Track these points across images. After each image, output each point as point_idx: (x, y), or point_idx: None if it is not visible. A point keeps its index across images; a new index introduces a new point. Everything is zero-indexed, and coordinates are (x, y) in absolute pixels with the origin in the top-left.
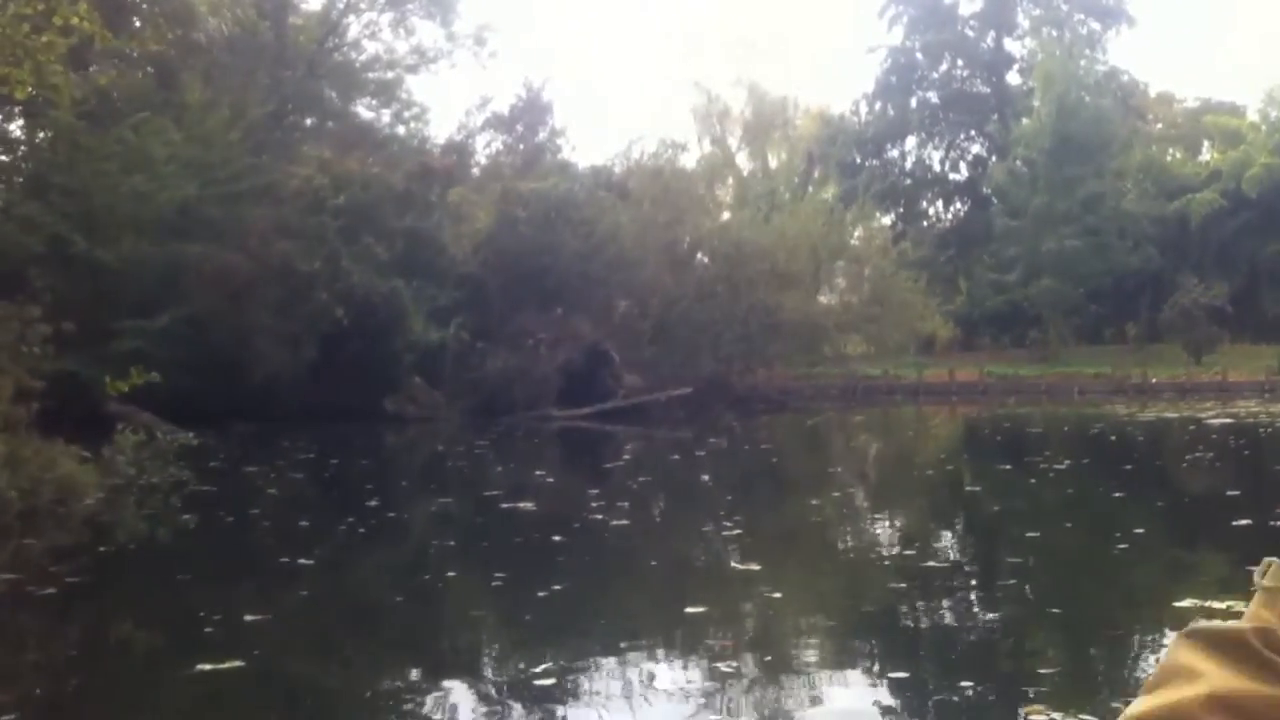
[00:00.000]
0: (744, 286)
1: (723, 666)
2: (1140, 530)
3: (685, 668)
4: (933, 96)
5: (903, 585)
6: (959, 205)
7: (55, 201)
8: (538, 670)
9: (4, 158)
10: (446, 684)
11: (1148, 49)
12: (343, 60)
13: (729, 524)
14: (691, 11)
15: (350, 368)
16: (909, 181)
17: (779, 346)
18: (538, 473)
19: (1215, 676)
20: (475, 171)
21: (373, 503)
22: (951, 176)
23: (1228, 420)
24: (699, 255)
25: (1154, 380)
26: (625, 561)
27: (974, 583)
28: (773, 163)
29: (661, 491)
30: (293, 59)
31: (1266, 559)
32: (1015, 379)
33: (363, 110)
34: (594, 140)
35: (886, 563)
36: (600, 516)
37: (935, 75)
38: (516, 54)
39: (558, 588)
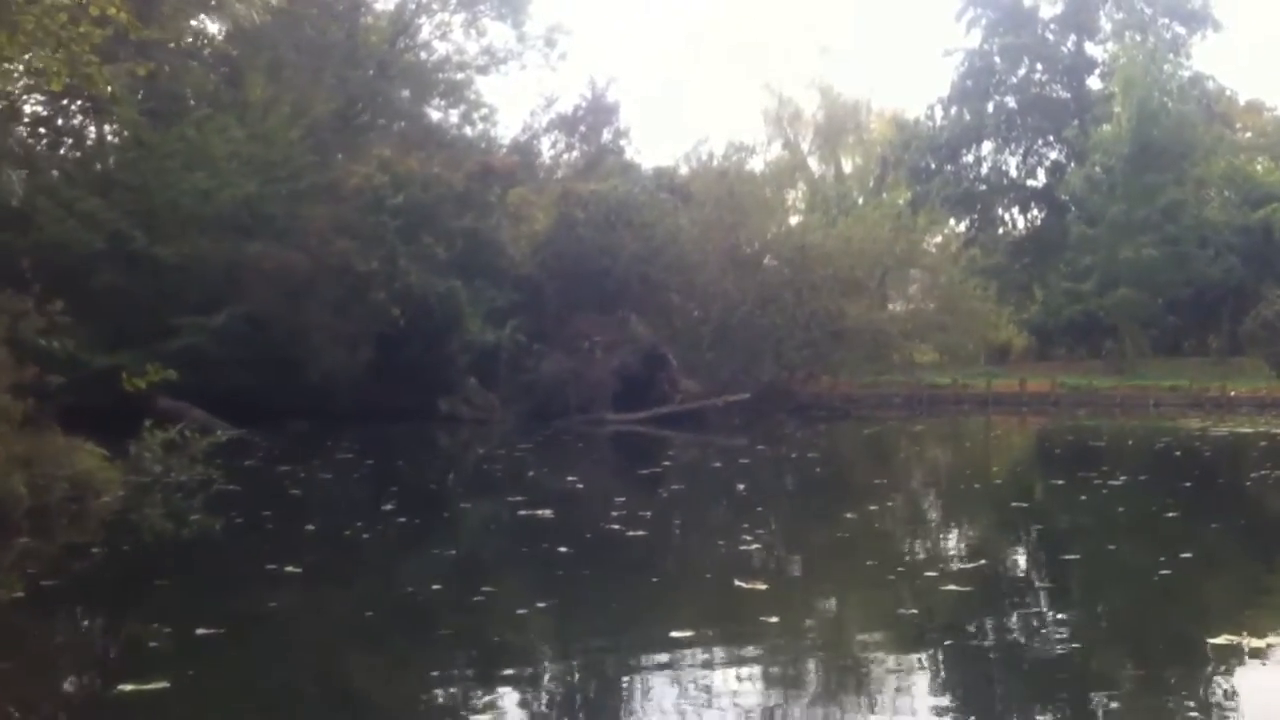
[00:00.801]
0: (807, 292)
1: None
2: (1188, 554)
3: (647, 700)
4: (1010, 101)
5: (914, 612)
6: (1036, 212)
7: (117, 198)
8: (480, 702)
9: (73, 154)
10: (377, 713)
11: (1240, 56)
12: (414, 61)
13: (749, 538)
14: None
15: (406, 368)
16: (984, 187)
17: (843, 354)
18: (570, 478)
19: None
20: (538, 173)
21: (388, 506)
22: (1028, 183)
23: None
24: (762, 259)
25: (1232, 394)
26: (626, 576)
27: (990, 611)
28: (846, 167)
29: (690, 501)
30: (364, 59)
31: None
32: (1088, 391)
33: (432, 111)
34: (665, 145)
35: (903, 586)
36: (617, 527)
37: (1014, 79)
38: (588, 56)
39: (542, 605)
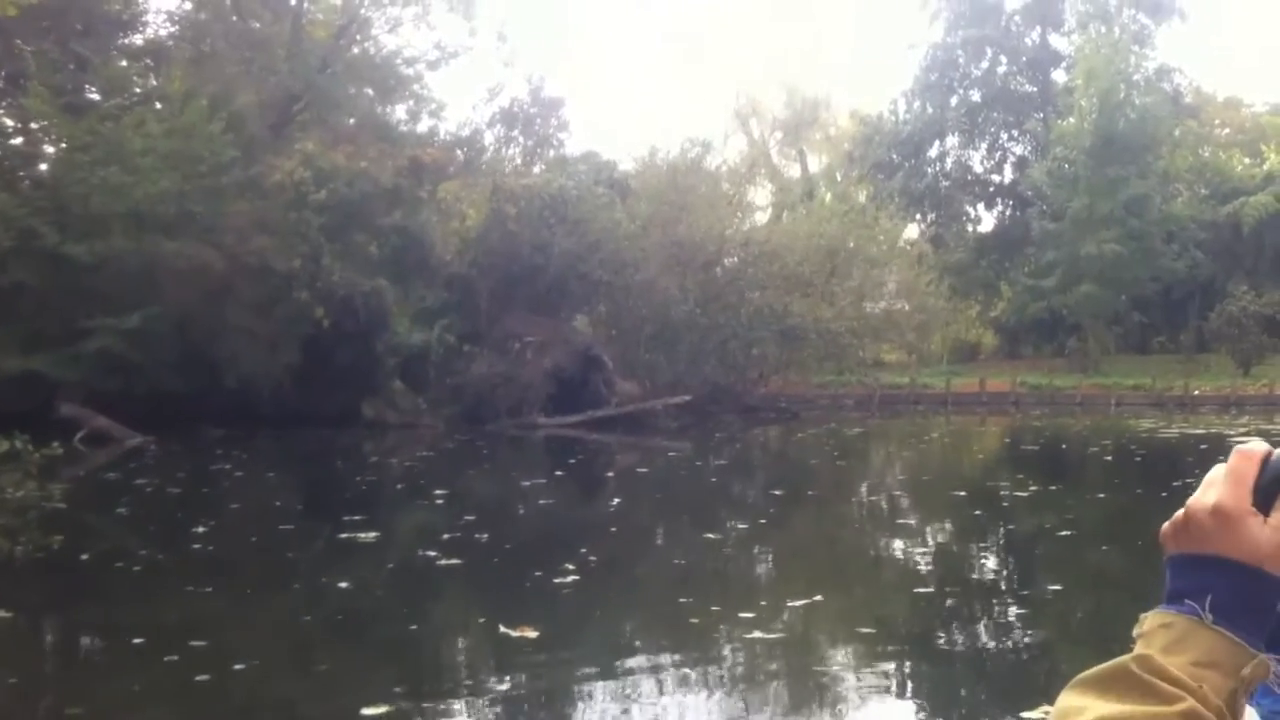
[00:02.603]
0: (750, 290)
1: None
2: (1057, 587)
3: None
4: (974, 95)
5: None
6: (1002, 208)
7: (26, 194)
8: None
9: None
10: None
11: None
12: (360, 55)
13: (571, 566)
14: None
15: (331, 371)
16: (947, 183)
17: (792, 354)
18: (439, 491)
19: (1098, 706)
20: (478, 168)
21: (200, 529)
22: (993, 178)
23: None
24: (705, 256)
25: (1195, 392)
26: (378, 627)
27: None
28: (814, 165)
29: (547, 519)
30: (307, 52)
31: (1142, 615)
32: (1049, 390)
33: (379, 107)
34: (624, 145)
35: (705, 634)
36: (434, 553)
37: (977, 72)
38: (546, 56)
39: (240, 667)
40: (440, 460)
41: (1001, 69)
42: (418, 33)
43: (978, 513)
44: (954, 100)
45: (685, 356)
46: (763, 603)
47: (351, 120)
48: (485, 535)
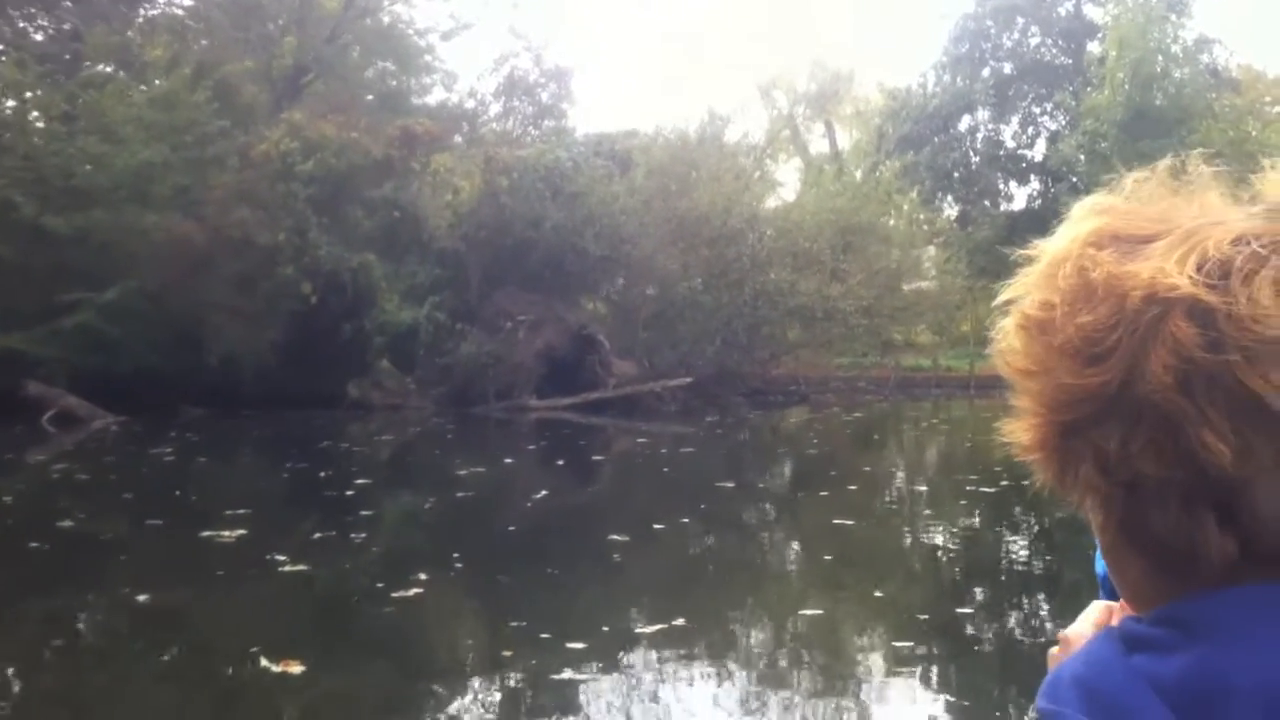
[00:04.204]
0: (754, 267)
1: None
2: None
3: None
4: (1006, 67)
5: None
6: (1035, 184)
7: (4, 165)
8: None
9: None
10: None
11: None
12: (371, 25)
13: (424, 576)
14: None
15: (316, 350)
16: (977, 158)
17: (806, 334)
18: (362, 481)
19: None
20: (480, 139)
21: (67, 523)
22: (1025, 153)
23: None
24: (710, 231)
25: None
26: (145, 648)
27: None
28: (844, 141)
29: (445, 517)
30: (316, 21)
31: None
32: None
33: (392, 79)
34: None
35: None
36: (284, 557)
37: (1008, 44)
38: (555, 29)
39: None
40: (403, 445)
41: (1034, 40)
42: (431, 3)
43: (897, 507)
44: (985, 72)
45: (687, 337)
46: (605, 629)
47: (370, 97)
48: (362, 535)
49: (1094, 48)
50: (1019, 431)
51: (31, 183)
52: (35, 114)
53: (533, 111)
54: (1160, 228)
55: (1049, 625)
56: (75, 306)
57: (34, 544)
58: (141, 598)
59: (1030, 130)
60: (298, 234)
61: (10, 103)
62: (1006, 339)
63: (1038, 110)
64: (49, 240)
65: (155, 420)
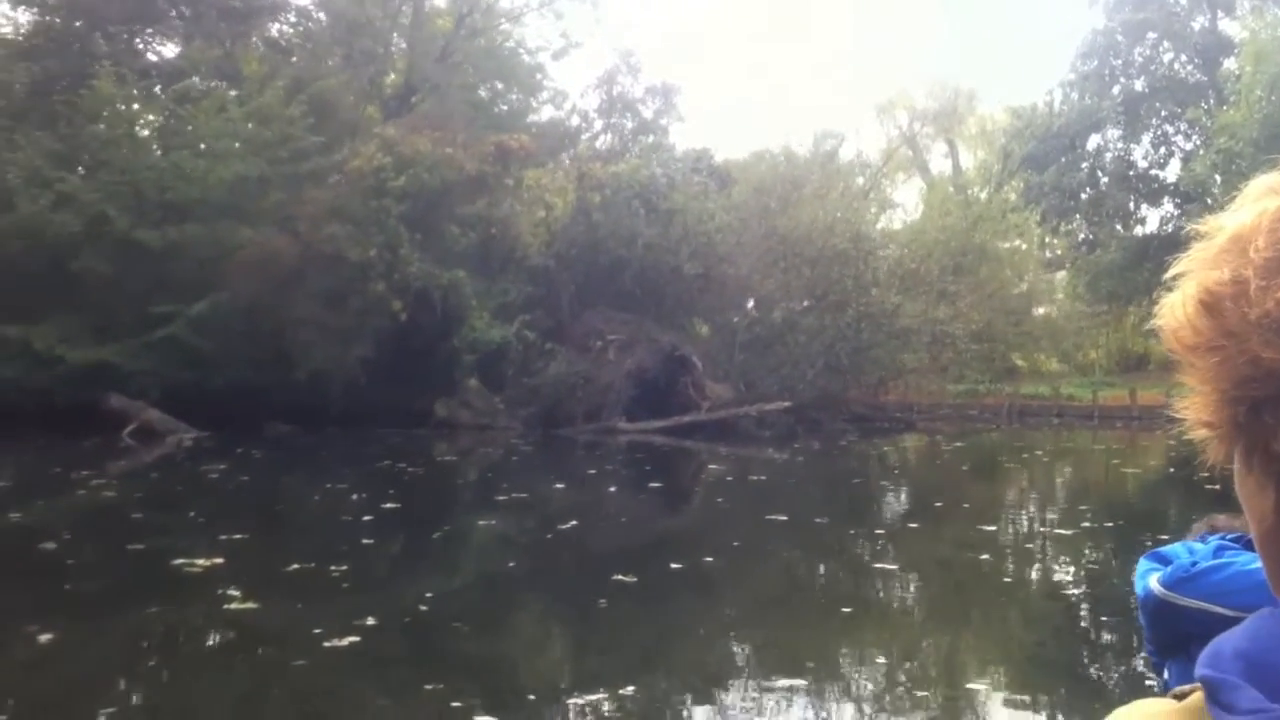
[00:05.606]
0: (855, 289)
1: None
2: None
3: None
4: (1137, 84)
5: None
6: (1168, 206)
7: (101, 178)
8: None
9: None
10: None
11: None
12: (483, 44)
13: (373, 620)
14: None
15: (405, 367)
16: (1106, 179)
17: (916, 359)
18: (385, 506)
19: None
20: (567, 155)
21: (47, 544)
22: (1156, 174)
23: None
24: (813, 250)
25: None
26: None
27: None
28: (967, 160)
29: (447, 554)
30: (427, 39)
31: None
32: None
33: (503, 98)
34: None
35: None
36: (236, 592)
37: (1140, 59)
38: (662, 47)
39: None
40: (462, 467)
41: (1167, 56)
42: (543, 21)
43: (992, 548)
44: (1115, 90)
45: (787, 360)
46: (533, 694)
47: (475, 114)
48: (343, 568)
49: (1230, 64)
50: (1192, 408)
51: (127, 197)
52: (135, 128)
53: (634, 127)
54: None
55: None
56: (166, 319)
57: None
58: (44, 635)
59: (1162, 150)
60: (389, 250)
61: (107, 116)
62: (1177, 314)
63: (1170, 129)
64: (142, 254)
65: (235, 436)
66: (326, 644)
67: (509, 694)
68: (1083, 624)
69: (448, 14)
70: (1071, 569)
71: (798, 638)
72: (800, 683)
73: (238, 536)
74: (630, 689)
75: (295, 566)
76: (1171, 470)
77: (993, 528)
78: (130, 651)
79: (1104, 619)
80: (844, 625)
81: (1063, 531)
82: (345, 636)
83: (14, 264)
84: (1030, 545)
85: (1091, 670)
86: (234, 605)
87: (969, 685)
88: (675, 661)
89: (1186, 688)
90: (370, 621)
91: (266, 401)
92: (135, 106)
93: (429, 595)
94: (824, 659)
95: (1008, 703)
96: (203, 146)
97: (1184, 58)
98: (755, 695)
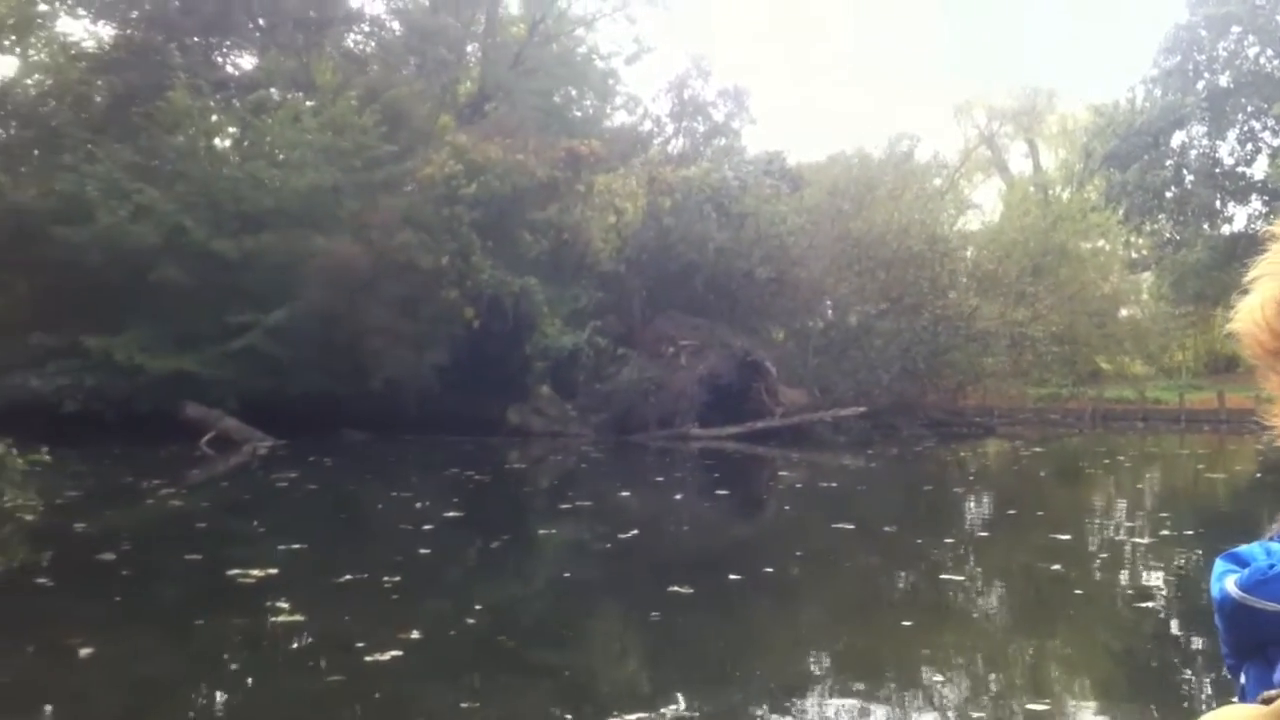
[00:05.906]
0: (931, 291)
1: None
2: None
3: None
4: (1222, 79)
5: None
6: (1256, 204)
7: (178, 190)
8: None
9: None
10: None
11: None
12: (557, 50)
13: (418, 634)
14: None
15: (477, 375)
16: (1191, 176)
17: (996, 363)
18: (450, 514)
19: None
20: (638, 159)
21: (109, 556)
22: (1243, 170)
23: None
24: (887, 253)
25: None
26: None
27: None
28: (1048, 160)
29: (500, 565)
30: (500, 46)
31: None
32: None
33: (577, 104)
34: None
35: None
36: (286, 605)
37: (1224, 54)
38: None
39: None
40: (532, 474)
41: (1253, 50)
42: (615, 25)
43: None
44: (1199, 85)
45: (862, 364)
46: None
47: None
48: (396, 579)
49: None
50: (1277, 414)
51: (204, 207)
52: (212, 139)
53: (705, 130)
54: None
55: None
56: (243, 329)
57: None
58: (85, 649)
59: (1249, 146)
60: (461, 257)
61: (184, 127)
62: (1255, 318)
63: (1258, 125)
64: (219, 264)
65: (310, 444)
66: (368, 658)
67: (544, 715)
68: (1166, 632)
69: (521, 21)
70: (1152, 576)
71: (862, 653)
72: (846, 703)
73: (296, 546)
74: (671, 709)
75: (348, 577)
76: (1260, 475)
77: (1068, 536)
78: (164, 666)
79: (1184, 628)
80: (901, 639)
81: (1140, 540)
82: (388, 650)
83: (94, 275)
84: (1106, 554)
85: (1176, 678)
86: (281, 618)
87: (1047, 697)
88: (720, 679)
89: (1274, 692)
90: (415, 635)
91: (342, 409)
92: (212, 118)
93: (477, 608)
94: (874, 677)
95: (1095, 712)
96: (279, 156)
97: (1270, 52)
98: (801, 716)
